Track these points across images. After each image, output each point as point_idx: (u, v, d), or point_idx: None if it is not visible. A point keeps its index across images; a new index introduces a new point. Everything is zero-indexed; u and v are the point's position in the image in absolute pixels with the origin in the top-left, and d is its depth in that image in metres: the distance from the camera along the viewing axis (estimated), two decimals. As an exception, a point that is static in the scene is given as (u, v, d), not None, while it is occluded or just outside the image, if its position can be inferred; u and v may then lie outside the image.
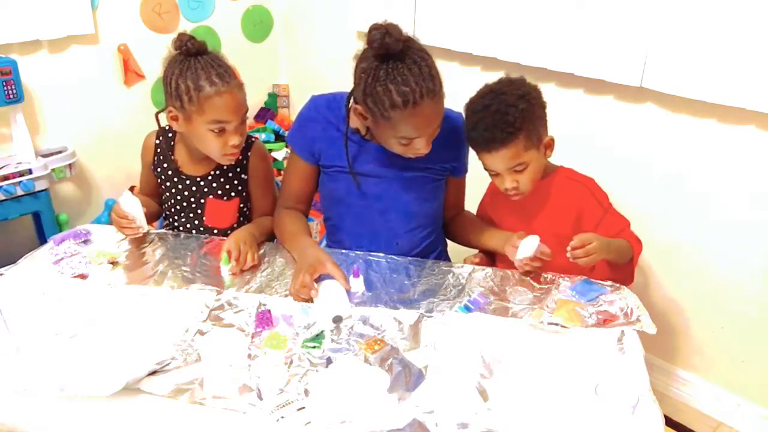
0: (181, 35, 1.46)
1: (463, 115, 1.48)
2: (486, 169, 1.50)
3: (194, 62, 1.44)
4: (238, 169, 1.65)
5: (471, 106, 1.47)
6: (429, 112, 1.34)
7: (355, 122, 1.49)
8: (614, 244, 1.45)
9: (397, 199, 1.54)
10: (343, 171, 1.52)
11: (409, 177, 1.53)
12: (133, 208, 1.52)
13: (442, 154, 1.52)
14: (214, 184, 1.64)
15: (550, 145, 1.49)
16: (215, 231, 1.68)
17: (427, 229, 1.60)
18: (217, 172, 1.64)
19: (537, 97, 1.46)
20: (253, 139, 1.69)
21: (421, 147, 1.40)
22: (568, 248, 1.38)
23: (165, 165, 1.65)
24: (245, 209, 1.71)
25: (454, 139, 1.53)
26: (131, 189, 2.10)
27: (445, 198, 1.64)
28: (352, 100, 1.44)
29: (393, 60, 1.29)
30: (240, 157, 1.63)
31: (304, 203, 1.65)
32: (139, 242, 1.57)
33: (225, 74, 1.45)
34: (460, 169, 1.63)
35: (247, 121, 1.55)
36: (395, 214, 1.55)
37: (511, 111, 1.39)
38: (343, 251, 1.56)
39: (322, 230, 2.75)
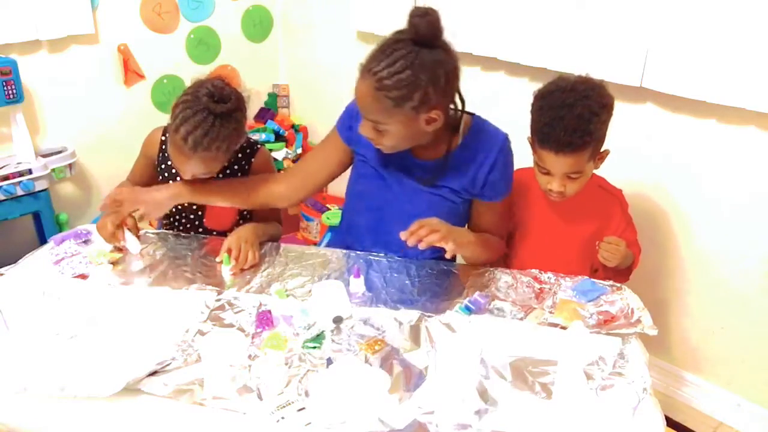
0: (201, 85, 1.44)
1: (533, 105, 1.42)
2: (537, 164, 1.46)
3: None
4: (240, 174, 1.65)
5: (550, 99, 1.39)
6: (358, 86, 1.31)
7: None
8: (628, 255, 1.52)
9: (412, 213, 1.42)
10: (371, 166, 1.51)
11: (428, 193, 1.47)
12: (132, 247, 1.52)
13: (466, 171, 1.44)
14: None
15: (603, 157, 1.47)
16: (214, 232, 1.67)
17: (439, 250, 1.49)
18: (220, 176, 1.62)
19: (613, 108, 1.42)
20: (258, 146, 1.68)
21: (362, 128, 1.37)
22: (602, 241, 1.46)
23: (169, 162, 1.63)
24: (246, 213, 1.70)
25: (488, 157, 1.43)
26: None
27: (472, 222, 1.53)
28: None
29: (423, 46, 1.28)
30: (243, 163, 1.64)
31: (304, 176, 1.59)
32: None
33: (202, 141, 1.40)
34: (489, 195, 1.47)
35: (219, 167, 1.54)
36: (406, 225, 1.42)
37: (594, 120, 1.35)
38: (344, 251, 1.56)
39: (322, 230, 2.75)
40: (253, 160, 1.65)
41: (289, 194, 1.59)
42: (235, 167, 1.64)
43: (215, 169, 1.53)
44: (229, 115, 1.44)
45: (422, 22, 1.26)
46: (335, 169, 1.58)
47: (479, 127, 1.47)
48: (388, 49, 1.28)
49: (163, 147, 1.65)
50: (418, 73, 1.26)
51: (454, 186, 1.46)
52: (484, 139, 1.45)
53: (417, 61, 1.26)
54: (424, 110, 1.30)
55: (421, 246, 1.32)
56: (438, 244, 1.34)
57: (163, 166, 1.66)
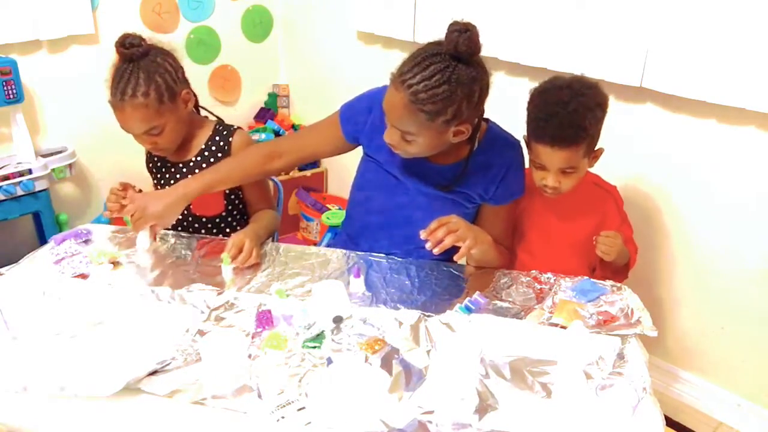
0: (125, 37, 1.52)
1: (529, 102, 1.43)
2: (533, 160, 1.47)
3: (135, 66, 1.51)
4: (220, 155, 1.66)
5: (545, 96, 1.42)
6: (390, 96, 1.31)
7: None
8: (624, 251, 1.53)
9: (427, 216, 1.39)
10: (385, 170, 1.51)
11: (443, 197, 1.47)
12: (143, 244, 1.53)
13: (481, 177, 1.45)
14: (197, 171, 1.65)
15: (597, 155, 1.48)
16: (204, 219, 1.69)
17: (449, 252, 1.45)
18: (199, 159, 1.66)
19: (607, 107, 1.44)
20: (235, 127, 1.71)
21: (388, 135, 1.37)
22: (600, 235, 1.48)
23: (156, 159, 1.70)
24: (234, 198, 1.71)
25: (503, 163, 1.45)
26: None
27: (478, 226, 1.48)
28: None
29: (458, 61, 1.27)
30: (222, 144, 1.66)
31: (300, 153, 1.60)
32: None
33: (128, 88, 1.48)
34: (500, 198, 1.49)
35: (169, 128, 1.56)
36: (417, 228, 1.38)
37: (588, 116, 1.38)
38: (344, 251, 1.56)
39: (322, 230, 2.75)
40: (231, 140, 1.67)
41: (284, 168, 1.63)
42: (213, 148, 1.66)
43: (155, 120, 1.53)
44: (142, 57, 1.51)
45: (462, 38, 1.24)
46: (329, 152, 1.61)
47: (494, 133, 1.47)
48: (424, 62, 1.26)
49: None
50: (455, 89, 1.25)
51: (469, 191, 1.47)
52: (499, 145, 1.46)
53: (454, 76, 1.25)
54: (454, 124, 1.31)
55: (436, 251, 1.32)
56: (455, 244, 1.34)
57: (150, 164, 1.72)
